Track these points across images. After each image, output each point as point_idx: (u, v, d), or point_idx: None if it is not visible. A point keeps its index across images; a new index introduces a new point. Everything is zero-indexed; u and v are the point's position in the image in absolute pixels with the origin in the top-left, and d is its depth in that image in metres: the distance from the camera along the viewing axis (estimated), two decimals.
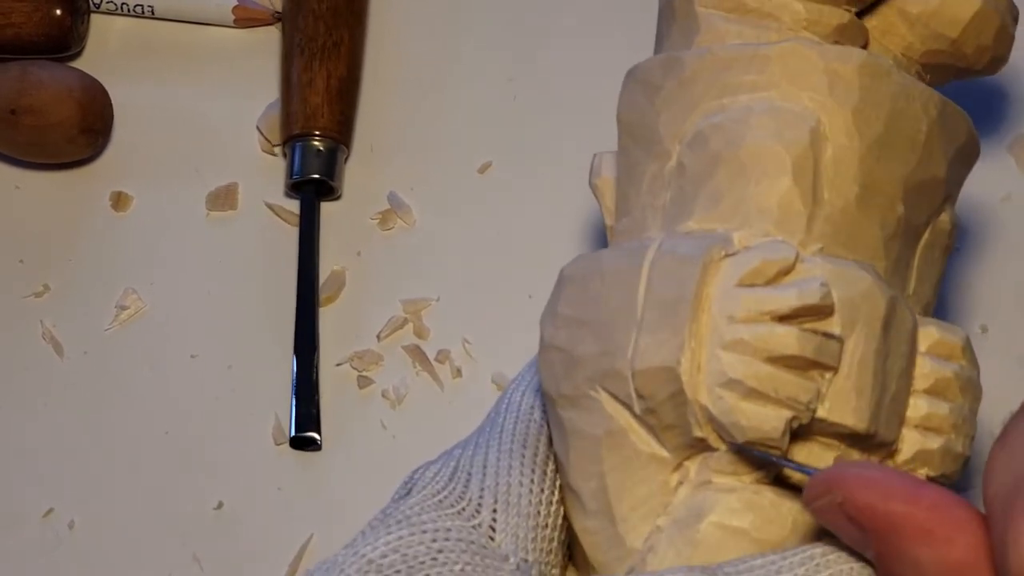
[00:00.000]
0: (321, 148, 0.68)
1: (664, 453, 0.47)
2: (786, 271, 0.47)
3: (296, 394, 0.64)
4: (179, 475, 0.63)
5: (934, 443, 0.48)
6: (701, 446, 0.47)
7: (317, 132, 0.68)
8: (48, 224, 0.68)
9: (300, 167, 0.68)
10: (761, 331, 0.46)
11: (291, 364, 0.64)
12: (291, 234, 0.67)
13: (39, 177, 0.69)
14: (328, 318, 0.66)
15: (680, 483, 0.47)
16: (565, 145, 0.70)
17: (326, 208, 0.68)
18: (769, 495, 0.46)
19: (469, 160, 0.70)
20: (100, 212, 0.68)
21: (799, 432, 0.46)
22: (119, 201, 0.69)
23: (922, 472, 0.48)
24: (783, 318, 0.46)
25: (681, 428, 0.47)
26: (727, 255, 0.47)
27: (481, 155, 0.70)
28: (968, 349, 0.50)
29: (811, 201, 0.48)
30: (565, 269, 0.51)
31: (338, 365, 0.65)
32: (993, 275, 0.66)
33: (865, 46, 0.53)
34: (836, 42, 0.52)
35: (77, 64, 0.71)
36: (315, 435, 0.63)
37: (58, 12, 0.70)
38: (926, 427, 0.48)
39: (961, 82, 0.69)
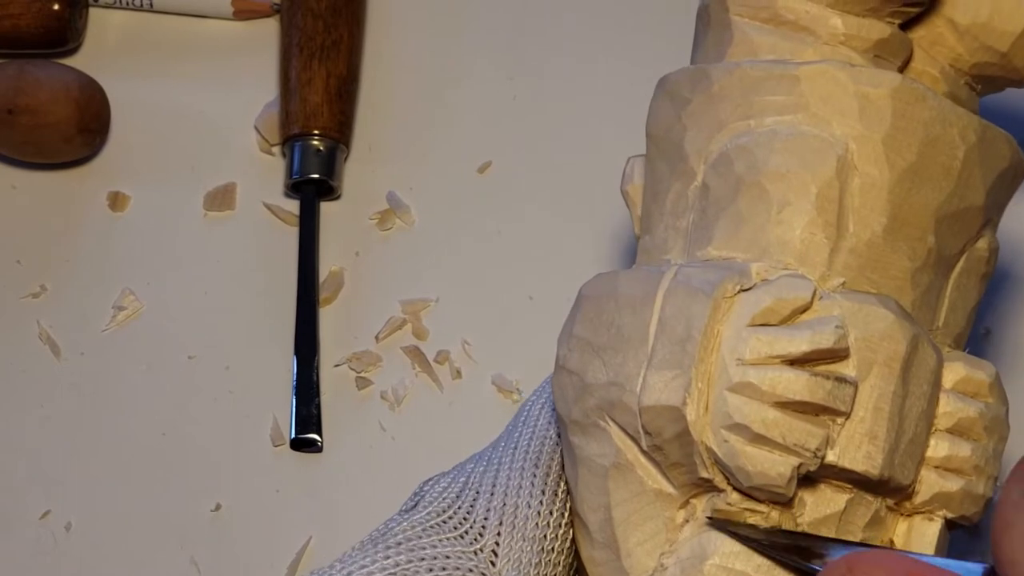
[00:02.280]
0: (320, 148, 0.68)
1: (671, 490, 0.47)
2: (802, 310, 0.46)
3: (296, 395, 0.63)
4: (177, 477, 0.62)
5: (954, 485, 0.47)
6: (708, 485, 0.46)
7: (316, 132, 0.68)
8: (45, 224, 0.68)
9: (300, 167, 0.68)
10: (770, 375, 0.45)
11: (289, 365, 0.64)
12: (289, 234, 0.67)
13: (36, 177, 0.69)
14: (326, 319, 0.65)
15: (687, 521, 0.47)
16: (565, 145, 0.70)
17: (324, 208, 0.68)
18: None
19: (469, 160, 0.70)
20: (97, 212, 0.68)
21: (809, 476, 0.45)
22: (116, 201, 0.68)
23: (940, 514, 0.47)
24: (795, 361, 0.45)
25: (687, 467, 0.46)
26: (742, 290, 0.46)
27: (481, 155, 0.70)
28: (996, 386, 0.48)
29: (835, 233, 0.47)
30: (583, 288, 0.50)
31: (336, 366, 0.64)
32: (997, 278, 0.66)
33: (909, 59, 0.51)
34: (876, 57, 0.50)
35: (75, 59, 0.71)
36: (316, 437, 0.63)
37: (56, 6, 0.69)
38: (946, 468, 0.47)
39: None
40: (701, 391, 0.45)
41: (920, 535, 0.47)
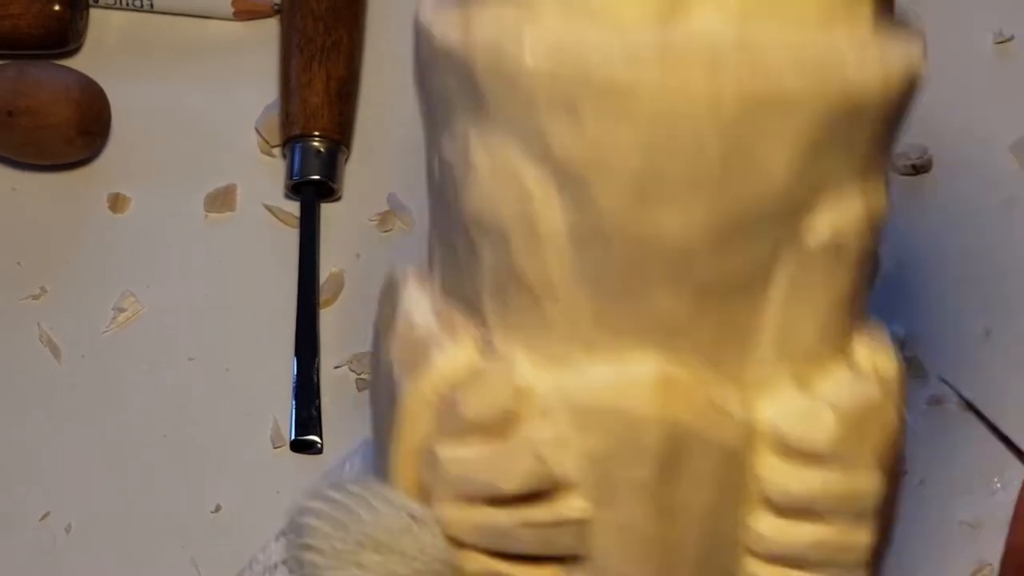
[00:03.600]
0: (321, 149, 0.68)
1: None
2: (505, 419, 0.35)
3: (296, 397, 0.63)
4: (177, 478, 0.62)
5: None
6: None
7: (317, 133, 0.68)
8: (45, 226, 0.68)
9: (300, 168, 0.68)
10: (471, 520, 0.36)
11: (289, 367, 0.64)
12: (289, 235, 0.67)
13: (36, 179, 0.69)
14: (327, 320, 0.65)
15: None
16: None
17: (325, 209, 0.68)
18: None
19: None
20: (98, 214, 0.68)
21: None
22: (117, 203, 0.68)
23: None
24: (500, 503, 0.36)
25: None
26: (448, 384, 0.36)
27: None
28: (842, 443, 0.35)
29: (547, 288, 0.35)
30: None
31: (337, 368, 0.64)
32: (997, 278, 0.65)
33: None
34: None
35: (75, 60, 0.71)
36: (316, 438, 0.63)
37: (56, 7, 0.69)
38: (783, 559, 0.36)
39: (963, 82, 0.69)
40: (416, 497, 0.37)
41: None
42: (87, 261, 0.67)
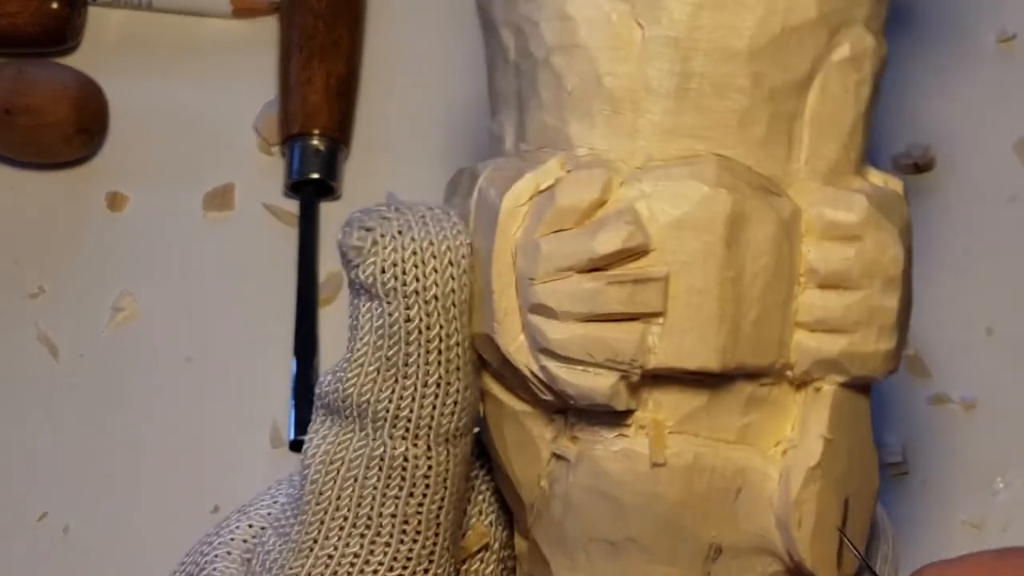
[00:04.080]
0: (320, 148, 0.68)
1: (532, 409, 0.44)
2: (596, 206, 0.42)
3: (295, 397, 0.63)
4: (175, 479, 0.62)
5: (834, 346, 0.43)
6: (558, 402, 0.43)
7: (316, 131, 0.68)
8: (43, 225, 0.68)
9: (299, 167, 0.67)
10: (562, 290, 0.41)
11: (288, 366, 0.64)
12: (288, 235, 0.67)
13: (34, 177, 0.69)
14: (326, 320, 0.65)
15: (555, 438, 0.44)
16: None
17: (324, 208, 0.68)
18: (628, 447, 0.43)
19: (469, 160, 0.69)
20: (96, 213, 0.68)
21: (652, 382, 0.42)
22: (115, 201, 0.68)
23: (831, 380, 0.43)
24: (590, 268, 0.41)
25: (528, 390, 0.44)
26: (537, 191, 0.43)
27: (480, 156, 0.69)
28: (872, 224, 0.43)
29: (631, 101, 0.43)
30: (445, 188, 0.48)
31: None
32: (999, 276, 0.65)
33: None
34: None
35: (73, 58, 0.71)
36: None
37: (54, 5, 0.69)
38: (821, 329, 0.43)
39: (966, 81, 0.69)
40: (509, 314, 0.43)
41: (813, 408, 0.43)
42: (85, 260, 0.67)
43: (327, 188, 0.68)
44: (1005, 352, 0.64)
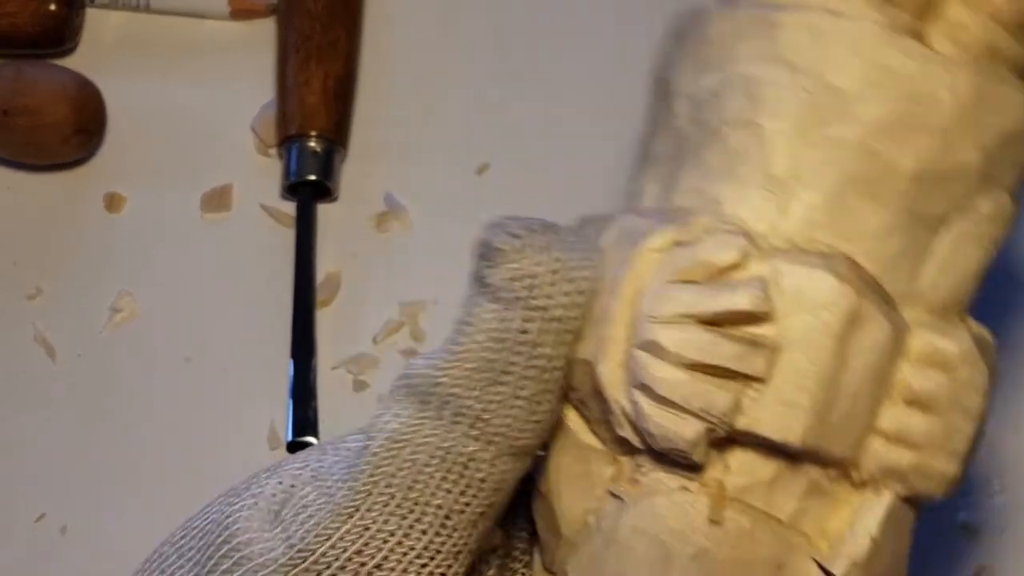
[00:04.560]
0: (318, 149, 0.68)
1: (599, 446, 0.45)
2: (730, 268, 0.43)
3: (293, 398, 0.63)
4: (172, 479, 0.62)
5: (904, 459, 0.44)
6: (629, 445, 0.44)
7: (314, 133, 0.68)
8: (41, 226, 0.68)
9: (296, 168, 0.67)
10: (678, 334, 0.43)
11: (286, 367, 0.64)
12: (285, 235, 0.67)
13: (32, 178, 0.69)
14: (323, 321, 0.65)
15: (614, 478, 0.45)
16: (563, 147, 0.70)
17: (322, 210, 0.68)
18: (691, 501, 0.44)
19: (467, 161, 0.69)
20: (94, 213, 0.68)
21: (730, 443, 0.43)
22: (112, 202, 0.68)
23: (891, 488, 0.44)
24: (709, 322, 0.43)
25: (607, 424, 0.44)
26: (676, 243, 0.44)
27: (479, 157, 0.69)
28: (970, 361, 0.46)
29: (794, 181, 0.45)
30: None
31: (333, 369, 0.64)
32: (999, 277, 0.65)
33: (930, 5, 0.47)
34: (885, 2, 0.47)
35: (71, 59, 0.71)
36: (313, 440, 0.62)
37: (52, 6, 0.69)
38: (898, 440, 0.44)
39: None
40: (616, 346, 0.44)
41: (867, 510, 0.45)
42: (83, 261, 0.67)
43: (324, 189, 0.68)
44: (1003, 355, 0.64)
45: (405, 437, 0.43)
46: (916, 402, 0.45)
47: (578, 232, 0.47)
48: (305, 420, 0.63)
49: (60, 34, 0.70)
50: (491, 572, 0.47)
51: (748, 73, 0.46)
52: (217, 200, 0.68)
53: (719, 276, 0.43)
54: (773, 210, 0.45)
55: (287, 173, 0.68)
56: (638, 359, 0.43)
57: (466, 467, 0.43)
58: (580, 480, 0.46)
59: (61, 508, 0.62)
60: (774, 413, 0.43)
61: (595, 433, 0.45)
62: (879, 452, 0.44)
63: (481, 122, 0.70)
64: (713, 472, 0.44)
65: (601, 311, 0.44)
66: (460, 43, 0.73)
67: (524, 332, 0.43)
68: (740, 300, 0.43)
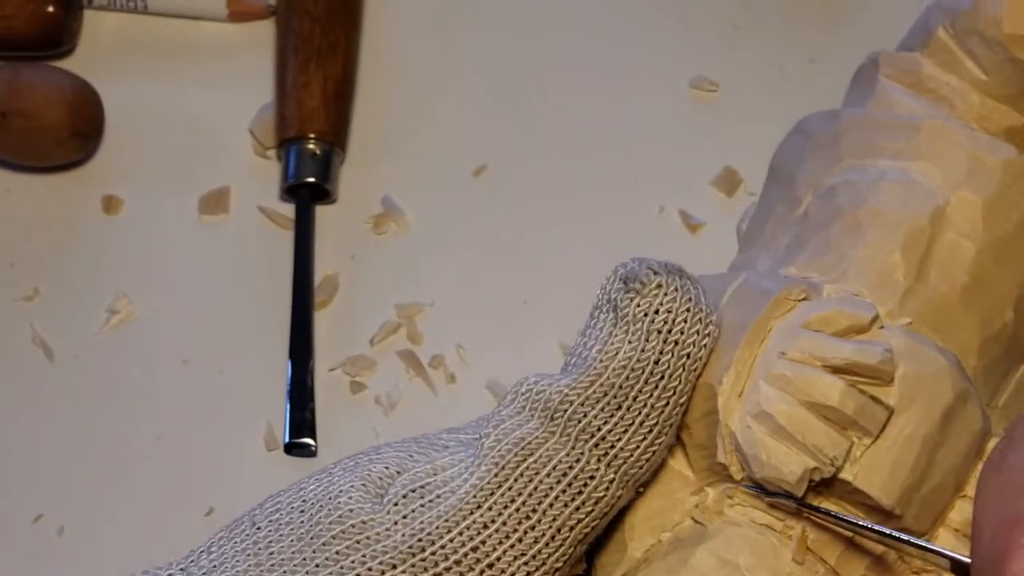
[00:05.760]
0: (316, 151, 0.68)
1: (689, 473, 0.47)
2: (858, 329, 0.46)
3: (290, 399, 0.63)
4: (170, 481, 0.62)
5: (968, 551, 0.46)
6: (724, 473, 0.46)
7: (312, 135, 0.68)
8: (39, 228, 0.68)
9: (295, 170, 0.67)
10: (807, 373, 0.45)
11: (283, 369, 0.64)
12: (283, 237, 0.67)
13: (29, 180, 0.69)
14: (321, 322, 0.65)
15: (696, 506, 0.47)
16: (560, 148, 0.70)
17: (320, 212, 0.68)
18: (772, 540, 0.46)
19: (464, 164, 0.69)
20: (91, 215, 0.68)
21: (825, 490, 0.46)
22: (110, 204, 0.68)
23: None
24: (835, 369, 0.45)
25: (709, 450, 0.46)
26: (805, 299, 0.47)
27: (476, 158, 0.69)
28: None
29: (914, 276, 0.48)
30: None
31: (331, 370, 0.64)
32: None
33: None
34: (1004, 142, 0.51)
35: (69, 61, 0.71)
36: (310, 441, 0.62)
37: (50, 8, 0.69)
38: (965, 533, 0.47)
39: None
40: (739, 376, 0.46)
41: None
42: (80, 263, 0.67)
43: (322, 192, 0.68)
44: None
45: (531, 446, 0.45)
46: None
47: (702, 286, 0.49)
48: (303, 421, 0.63)
49: (58, 36, 0.70)
50: None
51: (888, 168, 0.50)
52: (215, 202, 0.68)
53: (848, 334, 0.46)
54: (895, 294, 0.48)
55: (285, 175, 0.68)
56: (763, 390, 0.45)
57: (586, 484, 0.45)
58: (660, 503, 0.47)
59: (59, 509, 0.62)
60: (877, 470, 0.45)
61: (688, 459, 0.47)
62: (948, 539, 0.46)
63: (478, 124, 0.70)
64: (798, 522, 0.46)
65: (728, 342, 0.46)
66: (458, 46, 0.73)
67: (657, 363, 0.46)
68: (871, 356, 0.45)
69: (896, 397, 0.45)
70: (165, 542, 0.61)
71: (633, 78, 0.72)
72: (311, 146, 0.68)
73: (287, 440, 0.62)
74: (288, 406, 0.63)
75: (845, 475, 0.45)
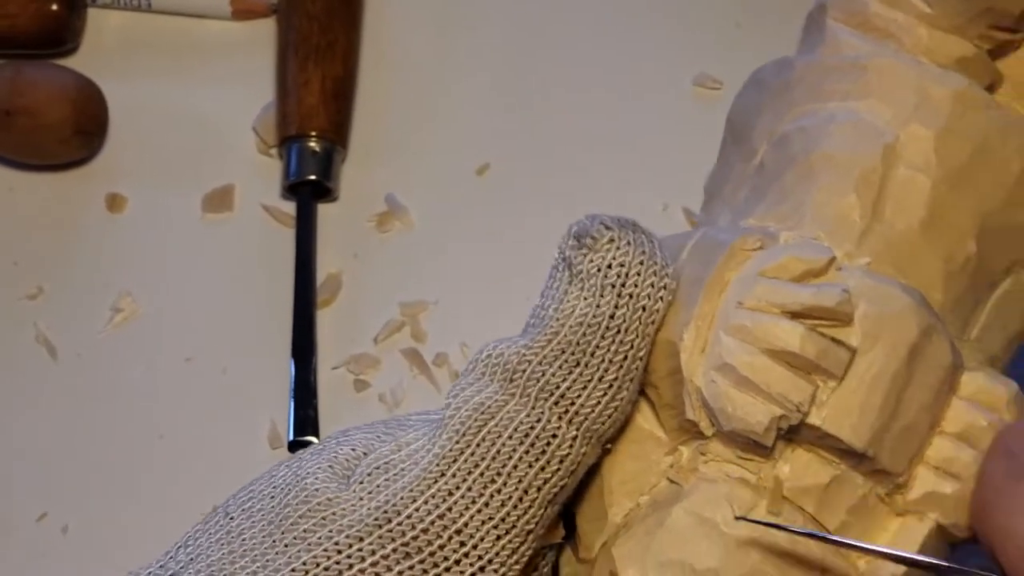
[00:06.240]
0: (317, 149, 0.68)
1: (661, 434, 0.47)
2: (815, 273, 0.46)
3: (294, 398, 0.63)
4: (174, 479, 0.62)
5: (949, 488, 0.46)
6: (694, 431, 0.46)
7: (313, 133, 0.68)
8: (42, 226, 0.68)
9: (296, 169, 0.67)
10: (766, 321, 0.45)
11: (287, 367, 0.64)
12: (287, 236, 0.67)
13: (33, 179, 0.69)
14: (324, 321, 0.65)
15: (671, 466, 0.46)
16: (563, 147, 0.70)
17: (323, 210, 0.68)
18: (748, 493, 0.45)
19: (467, 162, 0.69)
20: (95, 214, 0.68)
21: (796, 437, 0.45)
22: (114, 203, 0.68)
23: (932, 516, 0.46)
24: (794, 315, 0.45)
25: (677, 409, 0.46)
26: (761, 247, 0.47)
27: (479, 157, 0.69)
28: (1015, 404, 0.47)
29: (870, 215, 0.48)
30: None
31: (334, 368, 0.64)
32: None
33: (993, 86, 0.52)
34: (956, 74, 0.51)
35: (72, 60, 0.71)
36: (314, 439, 0.62)
37: (54, 6, 0.69)
38: (945, 470, 0.46)
39: None
40: (700, 330, 0.46)
41: (908, 534, 0.46)
42: (84, 261, 0.67)
43: (324, 190, 0.68)
44: None
45: (491, 410, 0.45)
46: (964, 436, 0.46)
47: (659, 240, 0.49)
48: (306, 419, 0.63)
49: (61, 34, 0.70)
50: (547, 569, 0.48)
51: (837, 110, 0.49)
52: (218, 200, 0.68)
53: (805, 278, 0.45)
54: (853, 236, 0.47)
55: (287, 173, 0.68)
56: (724, 342, 0.45)
57: (548, 444, 0.45)
58: (635, 466, 0.47)
59: (62, 508, 0.62)
60: (845, 413, 0.45)
61: (659, 419, 0.47)
62: (927, 478, 0.46)
63: (481, 122, 0.70)
64: (772, 470, 0.45)
65: (687, 297, 0.46)
66: (460, 43, 0.73)
67: (612, 317, 0.45)
68: (828, 298, 0.44)
69: (859, 337, 0.45)
70: (168, 540, 0.61)
71: (636, 76, 0.72)
72: (312, 144, 0.68)
73: (291, 438, 0.62)
74: (292, 404, 0.63)
75: (813, 420, 0.44)
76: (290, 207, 0.68)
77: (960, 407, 0.46)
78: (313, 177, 0.67)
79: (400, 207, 0.68)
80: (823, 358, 0.45)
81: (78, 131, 0.67)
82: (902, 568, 0.45)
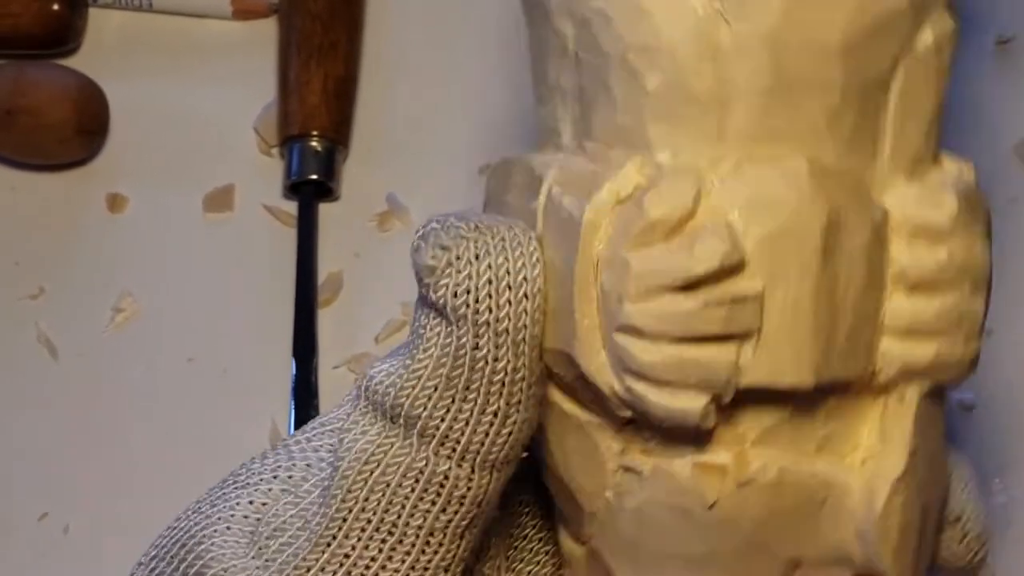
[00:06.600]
0: (319, 149, 0.68)
1: (597, 420, 0.42)
2: (684, 219, 0.40)
3: (295, 398, 0.63)
4: (174, 479, 0.62)
5: (926, 350, 0.41)
6: (632, 420, 0.42)
7: (315, 133, 0.68)
8: (43, 226, 0.68)
9: (298, 168, 0.67)
10: (656, 310, 0.39)
11: (288, 367, 0.64)
12: (288, 236, 0.67)
13: (34, 178, 0.69)
14: (325, 321, 0.65)
15: (624, 451, 0.42)
16: None
17: (324, 209, 0.68)
18: (708, 463, 0.41)
19: (468, 161, 0.69)
20: (96, 214, 0.68)
21: (747, 401, 0.41)
22: (115, 203, 0.68)
23: (916, 388, 0.42)
24: (682, 289, 0.39)
25: (602, 405, 0.42)
26: (617, 202, 0.41)
27: (481, 156, 0.69)
28: (961, 223, 0.42)
29: (717, 102, 0.40)
30: (487, 181, 0.46)
31: (335, 368, 0.64)
32: (999, 279, 0.65)
33: None
34: None
35: (74, 59, 0.71)
36: None
37: (55, 6, 0.69)
38: (911, 333, 0.41)
39: (964, 85, 0.69)
40: (590, 332, 0.41)
41: (896, 417, 0.42)
42: (85, 261, 0.67)
43: (326, 189, 0.68)
44: (1004, 354, 0.64)
45: (374, 458, 0.42)
46: (918, 287, 0.42)
47: (498, 194, 0.44)
48: (307, 419, 0.63)
49: (63, 34, 0.70)
50: (494, 551, 0.46)
51: None
52: (219, 200, 0.68)
53: (678, 230, 0.40)
54: (708, 133, 0.41)
55: (288, 173, 0.68)
56: (620, 344, 0.40)
57: (442, 486, 0.42)
58: (589, 457, 0.43)
59: (64, 508, 0.62)
60: (777, 360, 0.40)
61: (590, 411, 0.43)
62: (895, 352, 0.42)
63: (482, 122, 0.70)
64: (727, 427, 0.41)
65: (562, 298, 0.41)
66: (462, 42, 0.73)
67: (476, 348, 0.41)
68: (709, 261, 0.39)
69: (761, 274, 0.40)
70: None
71: None
72: (314, 143, 0.68)
73: None
74: (292, 404, 0.63)
75: (748, 382, 0.40)
76: (291, 207, 0.68)
77: (903, 256, 0.41)
78: (315, 177, 0.67)
79: (401, 207, 0.68)
80: (731, 322, 0.39)
81: (79, 131, 0.67)
82: (903, 460, 0.42)
